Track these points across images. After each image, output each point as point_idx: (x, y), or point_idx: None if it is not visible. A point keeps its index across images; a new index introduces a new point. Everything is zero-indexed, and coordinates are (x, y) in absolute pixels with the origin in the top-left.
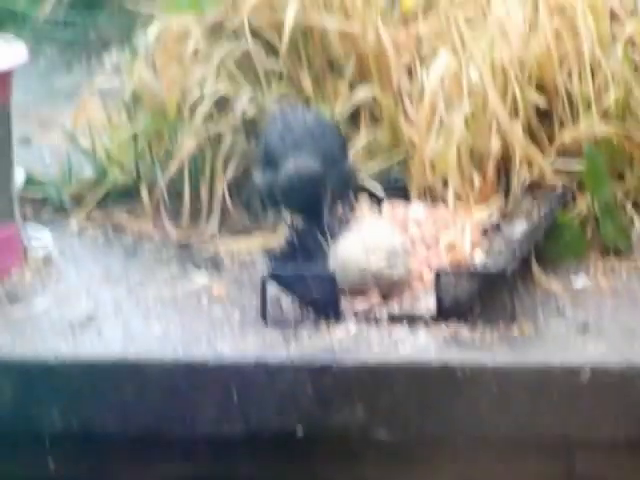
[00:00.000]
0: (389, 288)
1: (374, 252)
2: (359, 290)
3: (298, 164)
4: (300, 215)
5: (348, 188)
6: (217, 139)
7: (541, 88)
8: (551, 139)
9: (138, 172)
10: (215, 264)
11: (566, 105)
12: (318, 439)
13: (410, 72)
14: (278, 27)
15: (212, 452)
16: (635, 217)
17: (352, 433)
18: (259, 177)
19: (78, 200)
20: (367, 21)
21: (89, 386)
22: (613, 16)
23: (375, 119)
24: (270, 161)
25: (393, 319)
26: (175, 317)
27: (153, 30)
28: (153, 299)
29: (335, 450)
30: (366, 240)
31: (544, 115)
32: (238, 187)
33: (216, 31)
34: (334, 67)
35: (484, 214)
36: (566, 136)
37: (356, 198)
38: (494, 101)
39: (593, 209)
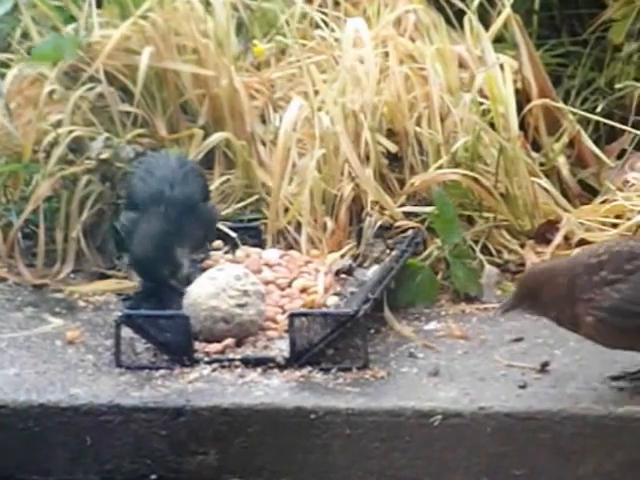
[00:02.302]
0: (240, 329)
1: (224, 292)
2: (212, 333)
3: (140, 242)
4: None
5: (209, 229)
6: (72, 182)
7: (392, 133)
8: (402, 183)
9: None
10: (69, 307)
11: (416, 150)
12: None
13: (263, 116)
14: (133, 71)
15: None
16: (485, 261)
17: (205, 478)
18: (122, 217)
19: None
20: (220, 66)
21: None
22: (461, 63)
23: (229, 163)
24: (131, 204)
25: (247, 363)
26: (29, 360)
27: (9, 74)
28: (6, 342)
29: None
30: (217, 281)
31: (395, 160)
32: (93, 230)
33: (71, 75)
34: (188, 111)
35: (337, 258)
36: (416, 180)
37: (211, 241)
38: (346, 146)
39: (444, 253)
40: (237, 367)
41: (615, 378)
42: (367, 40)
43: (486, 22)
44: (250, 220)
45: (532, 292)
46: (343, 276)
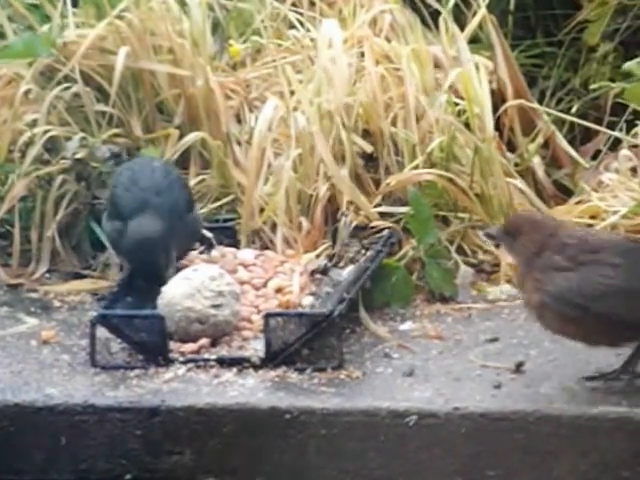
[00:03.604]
0: (215, 330)
1: (199, 292)
2: (187, 333)
3: (140, 228)
4: (143, 273)
5: (193, 239)
6: (47, 181)
7: (367, 133)
8: (377, 183)
9: None
10: (44, 307)
11: (392, 150)
12: None
13: (239, 116)
14: (109, 71)
15: None
16: (460, 261)
17: (181, 478)
18: (106, 225)
19: None
20: (196, 66)
21: None
22: (437, 64)
23: (205, 162)
24: (116, 213)
25: (222, 363)
26: (4, 360)
27: None
28: None
29: None
30: (192, 281)
31: (370, 160)
32: (68, 230)
33: (47, 74)
34: (164, 111)
35: (312, 258)
36: (392, 181)
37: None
38: (321, 146)
39: (419, 253)
40: (212, 367)
41: (590, 379)
42: (339, 41)
43: (461, 23)
44: (225, 220)
45: (513, 232)
46: (318, 276)
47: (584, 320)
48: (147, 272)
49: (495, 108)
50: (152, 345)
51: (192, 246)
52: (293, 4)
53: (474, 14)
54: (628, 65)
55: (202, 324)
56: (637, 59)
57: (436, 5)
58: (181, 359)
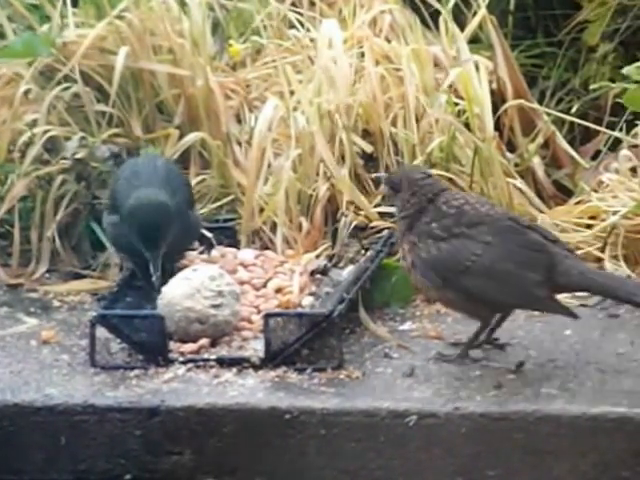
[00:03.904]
0: (215, 330)
1: (199, 292)
2: (187, 333)
3: (147, 192)
4: (140, 244)
5: (192, 239)
6: (47, 181)
7: (367, 133)
8: (377, 184)
9: None
10: (44, 307)
11: (391, 150)
12: None
13: (239, 116)
14: (109, 71)
15: None
16: None
17: (180, 478)
18: (105, 220)
19: None
20: (196, 66)
21: None
22: (436, 64)
23: (204, 163)
24: (116, 205)
25: (222, 363)
26: (3, 360)
27: None
28: None
29: None
30: (192, 281)
31: (370, 160)
32: (68, 230)
33: (47, 74)
34: (163, 111)
35: (312, 258)
36: None
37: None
38: (321, 146)
39: None
40: (212, 367)
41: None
42: (339, 41)
43: (461, 23)
44: (225, 220)
45: (393, 187)
46: (318, 276)
47: (445, 290)
48: (145, 236)
49: (495, 108)
50: (152, 345)
51: (192, 246)
52: (293, 4)
53: (474, 14)
54: (628, 70)
55: (202, 324)
56: (636, 63)
57: (436, 5)
58: (181, 359)
